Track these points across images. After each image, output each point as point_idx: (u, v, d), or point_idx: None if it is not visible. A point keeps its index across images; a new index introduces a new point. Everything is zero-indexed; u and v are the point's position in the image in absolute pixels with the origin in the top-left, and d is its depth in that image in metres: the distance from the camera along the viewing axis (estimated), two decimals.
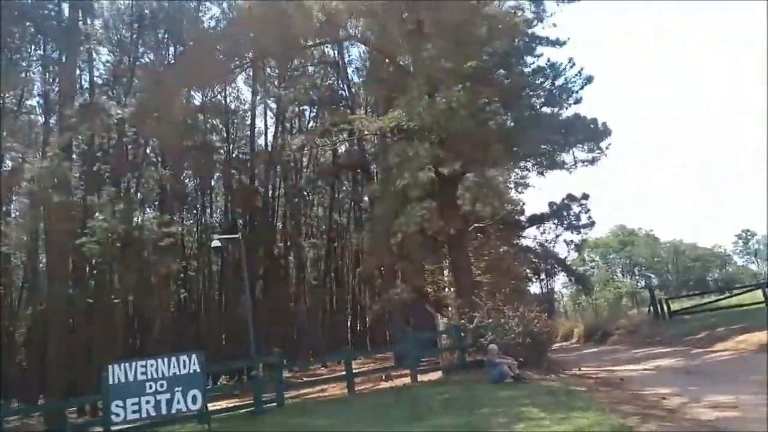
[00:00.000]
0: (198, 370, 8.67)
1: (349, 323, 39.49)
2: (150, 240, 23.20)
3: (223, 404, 13.88)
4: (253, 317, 25.24)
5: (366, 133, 19.16)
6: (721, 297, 25.87)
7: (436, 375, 14.94)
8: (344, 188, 36.46)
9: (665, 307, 24.42)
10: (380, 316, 24.59)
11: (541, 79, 16.91)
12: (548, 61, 17.75)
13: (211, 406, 10.93)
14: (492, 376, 11.74)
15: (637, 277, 66.26)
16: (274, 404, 12.71)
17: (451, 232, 16.70)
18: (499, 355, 12.15)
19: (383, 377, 16.41)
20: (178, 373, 8.51)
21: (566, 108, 16.83)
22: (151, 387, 8.47)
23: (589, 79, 16.89)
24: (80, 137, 24.81)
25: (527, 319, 14.35)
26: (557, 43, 17.66)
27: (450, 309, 17.42)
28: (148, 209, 29.10)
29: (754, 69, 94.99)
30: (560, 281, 43.38)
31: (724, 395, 8.60)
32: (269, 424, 9.87)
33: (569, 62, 17.33)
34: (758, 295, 22.15)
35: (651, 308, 25.28)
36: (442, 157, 15.69)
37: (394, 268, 20.70)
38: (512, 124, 16.26)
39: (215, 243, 19.44)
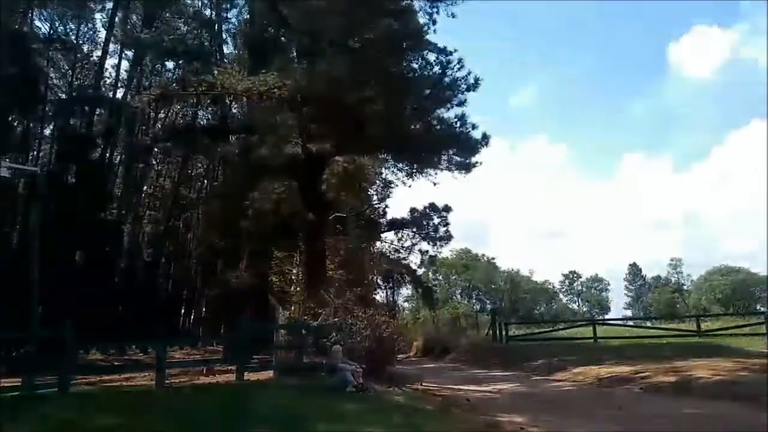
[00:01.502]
0: None
1: (183, 309, 35.59)
2: None
3: None
4: (60, 286, 21.40)
5: (232, 92, 16.68)
6: (556, 329, 26.90)
7: (268, 374, 12.94)
8: (197, 158, 32.91)
9: (503, 331, 24.75)
10: (216, 302, 21.89)
11: (429, 72, 15.74)
12: (437, 57, 16.74)
13: None
14: (332, 383, 10.03)
15: (474, 301, 69.06)
16: (55, 389, 9.98)
17: (310, 218, 14.87)
18: (343, 360, 10.51)
19: (204, 371, 14.07)
20: None
21: (450, 108, 15.85)
22: None
23: (476, 82, 16.05)
24: None
25: (377, 323, 12.94)
26: (446, 52, 16.70)
27: (294, 303, 15.54)
28: None
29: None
30: (403, 294, 43.31)
31: (582, 428, 7.91)
32: (19, 414, 7.25)
33: (458, 63, 16.48)
34: (583, 330, 23.49)
35: (490, 330, 25.46)
36: (313, 131, 13.86)
37: (239, 249, 18.27)
38: (392, 113, 14.84)
39: (3, 172, 15.28)
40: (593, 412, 9.40)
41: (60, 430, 6.56)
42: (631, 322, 30.68)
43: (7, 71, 23.88)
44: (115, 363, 18.28)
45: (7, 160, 15.31)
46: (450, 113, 16.37)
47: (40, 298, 22.69)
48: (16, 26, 26.40)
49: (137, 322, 28.76)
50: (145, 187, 34.26)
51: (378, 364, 12.46)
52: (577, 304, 78.92)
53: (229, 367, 13.41)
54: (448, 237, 24.41)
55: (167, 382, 11.71)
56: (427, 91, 15.50)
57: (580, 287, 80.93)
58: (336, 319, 13.02)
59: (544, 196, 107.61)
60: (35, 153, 30.18)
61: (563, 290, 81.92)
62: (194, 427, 6.85)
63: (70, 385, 10.35)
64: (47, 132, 30.17)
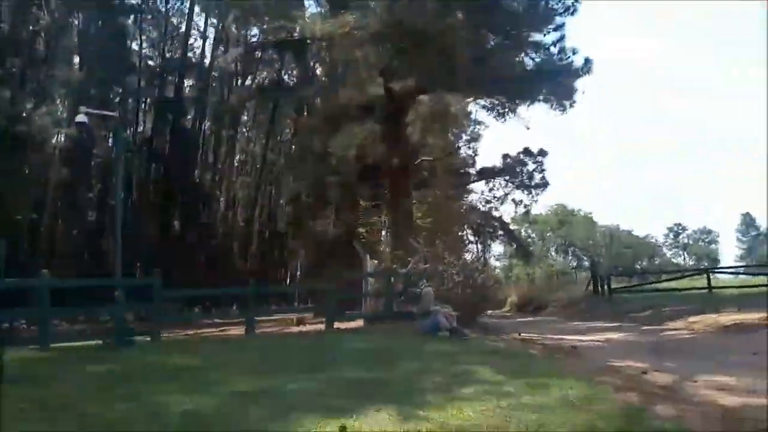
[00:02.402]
0: None
1: (276, 268, 36.30)
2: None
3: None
4: (159, 243, 22.19)
5: (314, 38, 16.02)
6: (663, 279, 24.97)
7: (358, 324, 12.59)
8: (284, 122, 32.96)
9: (605, 284, 23.16)
10: (307, 257, 21.80)
11: None
12: None
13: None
14: (424, 326, 9.38)
15: (570, 258, 66.29)
16: (147, 338, 10.04)
17: (394, 164, 14.14)
18: (435, 302, 9.83)
19: (295, 320, 13.97)
20: None
21: (546, 34, 14.34)
22: None
23: (574, 4, 14.37)
24: None
25: (470, 268, 12.15)
26: None
27: (382, 252, 15.02)
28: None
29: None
30: (495, 252, 41.92)
31: (718, 375, 6.74)
32: (115, 360, 7.15)
33: None
34: (693, 281, 21.73)
35: (591, 283, 23.91)
36: (395, 69, 12.99)
37: (326, 202, 17.88)
38: (481, 42, 13.62)
39: (80, 117, 15.19)
40: (725, 359, 8.18)
41: (143, 369, 6.35)
42: (751, 271, 27.84)
43: (101, 43, 24.65)
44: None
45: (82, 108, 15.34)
46: (546, 39, 14.79)
47: (141, 263, 23.86)
48: None
49: (233, 283, 29.72)
50: (236, 154, 34.91)
51: (472, 311, 11.72)
52: (682, 258, 73.90)
53: (320, 319, 13.20)
54: (544, 184, 22.78)
55: (257, 332, 11.64)
56: (520, 13, 14.01)
57: (686, 240, 75.63)
58: (426, 266, 12.34)
59: (644, 145, 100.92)
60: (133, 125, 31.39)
61: (667, 244, 76.92)
62: (283, 364, 6.45)
63: (160, 335, 10.39)
64: (141, 102, 31.20)
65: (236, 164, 35.51)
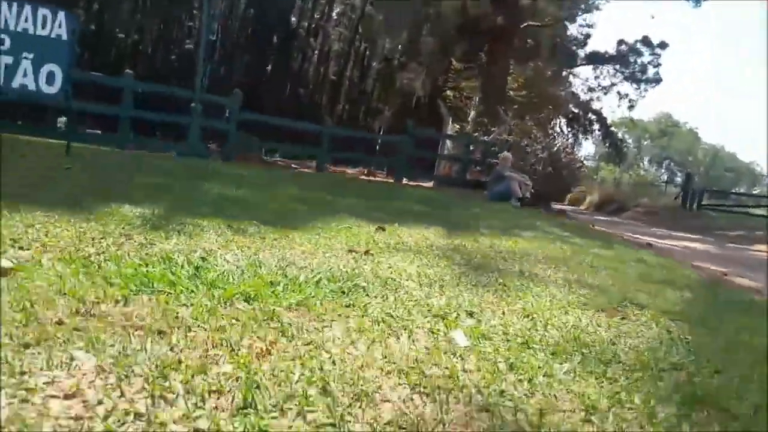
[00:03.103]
0: (64, 37, 5.73)
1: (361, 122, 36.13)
2: None
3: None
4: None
5: None
6: (759, 205, 23.09)
7: (427, 184, 12.35)
8: None
9: (696, 198, 21.62)
10: (393, 114, 21.26)
11: None
12: None
13: None
14: (496, 190, 8.98)
15: (664, 171, 62.64)
16: (218, 159, 10.20)
17: (497, 23, 12.98)
18: (511, 168, 9.32)
19: (364, 171, 13.89)
20: (29, 31, 5.57)
21: None
22: None
23: None
24: None
25: (556, 147, 11.40)
26: None
27: (467, 116, 14.32)
28: None
29: None
30: (584, 151, 39.84)
31: None
32: (184, 165, 7.26)
33: None
34: None
35: (681, 195, 22.39)
36: None
37: (418, 55, 16.92)
38: None
39: None
40: None
41: (208, 171, 6.38)
42: None
43: None
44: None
45: None
46: None
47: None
48: None
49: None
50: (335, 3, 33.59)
51: (551, 190, 11.16)
52: None
53: (390, 178, 13.04)
54: (656, 80, 20.63)
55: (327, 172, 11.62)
56: None
57: None
58: (510, 138, 11.68)
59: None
60: None
61: None
62: (342, 191, 6.33)
63: (232, 156, 10.52)
64: None
65: (334, 15, 34.34)
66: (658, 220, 19.39)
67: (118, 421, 1.10)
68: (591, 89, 21.74)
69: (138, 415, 1.12)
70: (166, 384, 1.26)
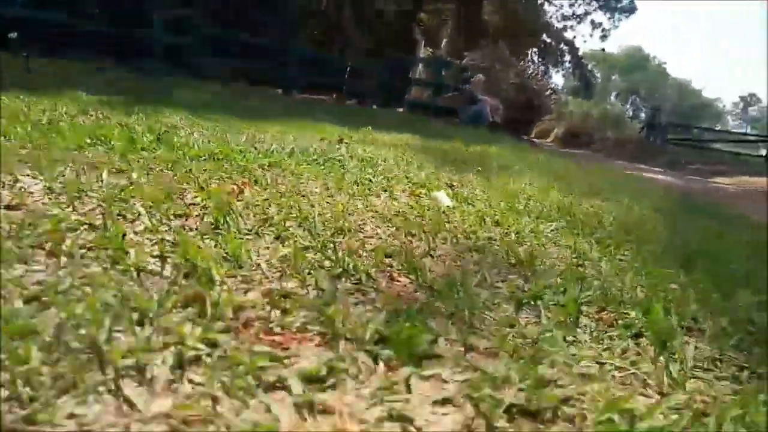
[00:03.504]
0: None
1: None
2: None
3: None
4: None
5: None
6: (722, 139, 23.57)
7: (399, 109, 12.06)
8: None
9: (661, 134, 21.87)
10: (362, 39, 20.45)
11: None
12: None
13: None
14: (467, 114, 8.84)
15: (629, 106, 62.96)
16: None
17: None
18: (483, 92, 9.16)
19: (333, 95, 13.45)
20: None
21: None
22: None
23: None
24: None
25: (529, 75, 11.23)
26: None
27: (441, 41, 13.94)
28: None
29: None
30: (553, 83, 39.58)
31: None
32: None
33: None
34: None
35: (645, 128, 22.60)
36: None
37: None
38: None
39: None
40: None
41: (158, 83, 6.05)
42: None
43: None
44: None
45: None
46: None
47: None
48: None
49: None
50: None
51: (522, 117, 11.05)
52: (746, 130, 69.80)
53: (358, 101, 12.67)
54: (631, 9, 20.43)
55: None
56: None
57: (755, 113, 70.73)
58: (483, 64, 11.41)
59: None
60: None
61: (734, 113, 72.12)
62: (304, 112, 6.11)
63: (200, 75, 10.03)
64: None
65: None
66: (623, 153, 19.57)
67: (70, 228, 0.97)
68: (565, 17, 21.40)
69: (93, 227, 0.99)
70: (126, 205, 1.13)
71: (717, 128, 65.48)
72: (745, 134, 29.52)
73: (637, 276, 1.38)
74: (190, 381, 0.64)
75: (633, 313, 1.14)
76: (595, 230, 1.82)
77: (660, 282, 1.35)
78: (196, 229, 1.07)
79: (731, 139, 23.59)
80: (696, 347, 1.04)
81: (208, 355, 0.69)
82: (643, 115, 58.63)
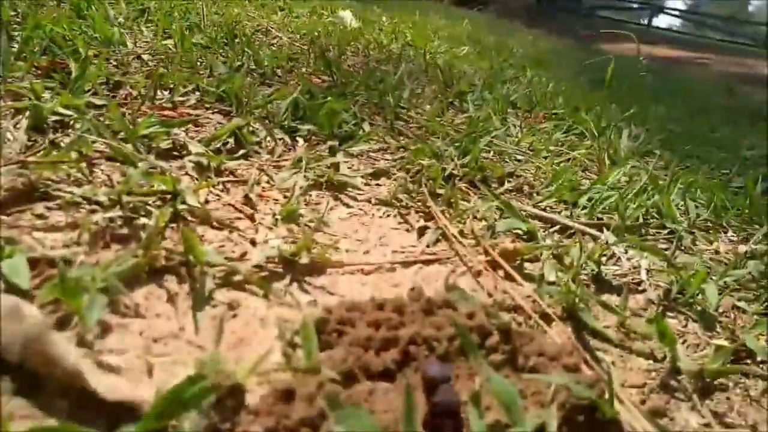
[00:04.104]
0: None
1: None
2: None
3: None
4: None
5: None
6: (608, 6, 24.06)
7: None
8: None
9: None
10: None
11: None
12: None
13: None
14: None
15: None
16: None
17: None
18: None
19: None
20: None
21: None
22: None
23: None
24: None
25: None
26: None
27: None
28: None
29: None
30: None
31: None
32: None
33: None
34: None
35: None
36: None
37: None
38: None
39: None
40: None
41: None
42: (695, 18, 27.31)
43: None
44: None
45: None
46: None
47: None
48: None
49: None
50: None
51: None
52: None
53: None
54: None
55: None
56: None
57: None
58: None
59: None
60: None
61: None
62: None
63: None
64: None
65: None
66: (514, 17, 19.67)
67: None
68: None
69: None
70: None
71: None
72: (631, 1, 30.32)
73: (558, 88, 1.34)
74: (53, 143, 0.49)
75: (562, 112, 1.11)
76: (507, 58, 1.77)
77: (582, 95, 1.34)
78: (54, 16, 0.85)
79: (617, 7, 24.08)
80: (627, 139, 1.04)
81: (76, 120, 0.54)
82: None
